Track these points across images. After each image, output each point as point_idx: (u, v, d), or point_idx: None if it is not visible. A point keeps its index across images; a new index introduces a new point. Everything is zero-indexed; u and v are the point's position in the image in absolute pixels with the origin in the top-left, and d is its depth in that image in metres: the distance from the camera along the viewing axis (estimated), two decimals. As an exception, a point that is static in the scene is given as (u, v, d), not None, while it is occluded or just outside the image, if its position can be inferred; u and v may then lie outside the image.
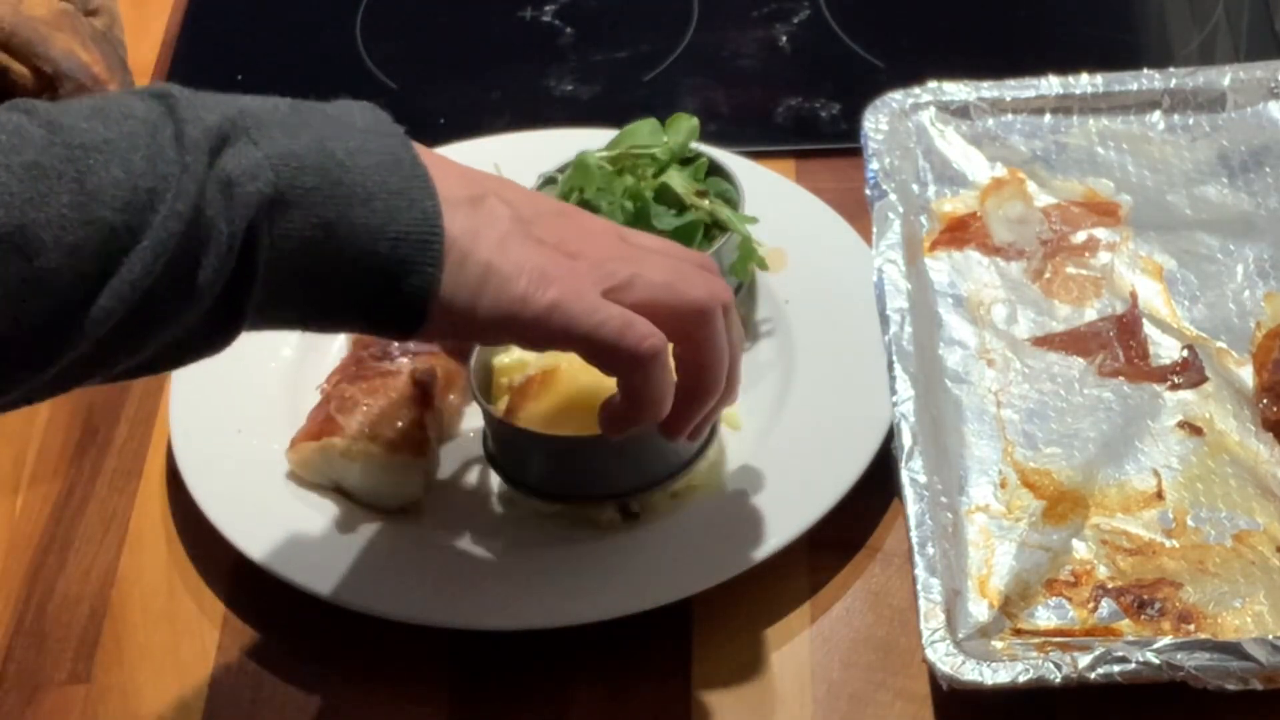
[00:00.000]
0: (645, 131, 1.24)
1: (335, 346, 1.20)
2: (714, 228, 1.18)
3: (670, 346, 0.94)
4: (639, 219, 1.16)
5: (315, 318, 0.89)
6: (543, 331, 0.89)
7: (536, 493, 1.09)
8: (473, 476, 1.14)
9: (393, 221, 0.85)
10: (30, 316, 0.78)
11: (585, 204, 1.18)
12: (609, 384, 1.10)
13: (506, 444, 1.09)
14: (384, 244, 0.85)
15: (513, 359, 1.14)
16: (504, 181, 0.95)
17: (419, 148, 0.89)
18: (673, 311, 0.92)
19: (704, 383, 0.95)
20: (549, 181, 1.23)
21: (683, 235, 1.16)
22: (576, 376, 1.10)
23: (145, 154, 0.80)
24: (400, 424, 1.12)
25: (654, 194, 1.19)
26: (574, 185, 1.20)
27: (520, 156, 1.29)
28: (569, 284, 0.89)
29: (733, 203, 1.20)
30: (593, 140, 1.25)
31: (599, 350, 0.91)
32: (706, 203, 1.19)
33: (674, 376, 0.95)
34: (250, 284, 0.84)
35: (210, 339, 0.86)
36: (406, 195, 0.86)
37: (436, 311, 0.87)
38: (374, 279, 0.86)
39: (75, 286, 0.79)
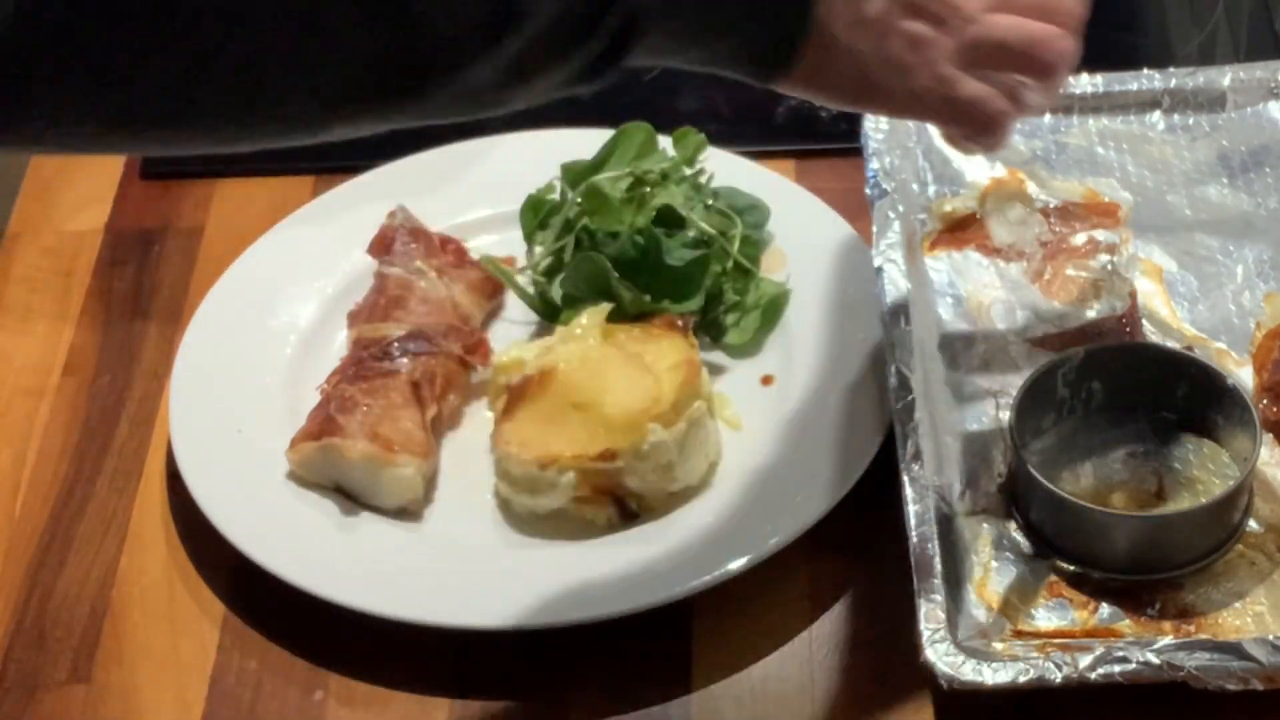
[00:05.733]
0: (639, 140, 1.24)
1: (335, 346, 1.21)
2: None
3: None
4: (648, 253, 1.18)
5: (690, 68, 0.93)
6: (901, 112, 1.00)
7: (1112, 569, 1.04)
8: (473, 476, 1.14)
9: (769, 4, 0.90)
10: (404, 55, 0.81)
11: (590, 235, 1.19)
12: (607, 384, 1.10)
13: (1072, 523, 1.04)
14: (756, 20, 0.90)
15: (511, 359, 1.14)
16: None
17: None
18: (1027, 70, 0.98)
19: (1035, 108, 1.01)
20: (537, 206, 1.24)
21: (693, 270, 1.18)
22: (574, 377, 1.10)
23: None
24: (400, 424, 1.12)
25: (656, 214, 1.20)
26: (588, 211, 1.21)
27: (520, 157, 1.29)
28: (929, 69, 0.94)
29: (739, 211, 1.22)
30: (591, 141, 1.25)
31: (951, 123, 0.98)
32: (704, 224, 1.20)
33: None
34: (627, 49, 0.87)
35: (583, 84, 0.89)
36: None
37: (805, 78, 0.93)
38: (746, 47, 0.91)
39: (451, 48, 0.82)
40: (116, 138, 0.81)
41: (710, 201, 1.23)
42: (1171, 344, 1.14)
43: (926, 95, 0.95)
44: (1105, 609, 1.02)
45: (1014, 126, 0.98)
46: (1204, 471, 1.07)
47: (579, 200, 1.22)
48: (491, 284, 1.23)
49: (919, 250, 1.20)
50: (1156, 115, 1.28)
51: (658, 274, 1.18)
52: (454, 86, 0.83)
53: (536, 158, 1.27)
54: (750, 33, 0.90)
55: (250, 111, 0.81)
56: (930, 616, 0.99)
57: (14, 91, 0.76)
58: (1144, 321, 1.16)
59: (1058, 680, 0.96)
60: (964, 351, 1.15)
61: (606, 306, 1.15)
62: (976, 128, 0.97)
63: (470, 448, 1.15)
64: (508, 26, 0.82)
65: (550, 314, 1.21)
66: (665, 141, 1.26)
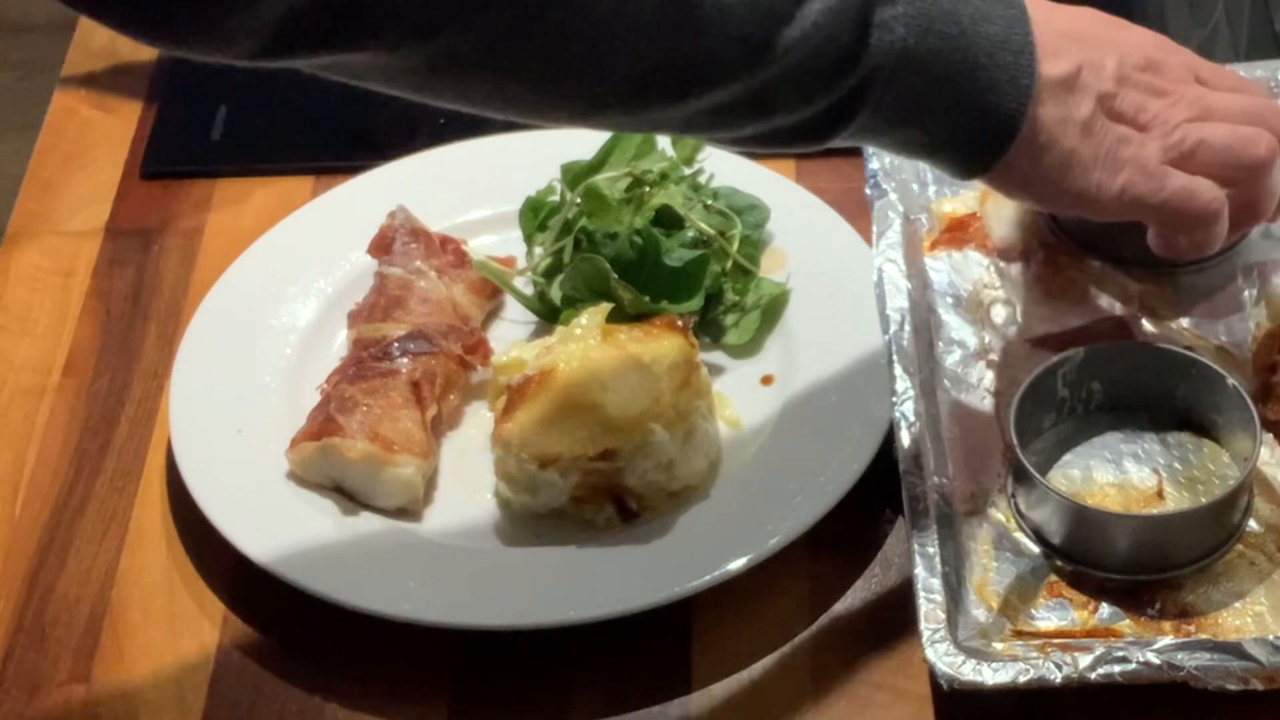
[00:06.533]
0: (637, 139, 1.24)
1: (335, 346, 1.21)
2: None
3: None
4: (647, 254, 1.18)
5: (901, 152, 1.00)
6: (1111, 211, 0.98)
7: (1116, 570, 1.04)
8: (473, 476, 1.14)
9: (990, 92, 0.94)
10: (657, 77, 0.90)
11: (589, 236, 1.19)
12: (607, 383, 1.10)
13: (1076, 526, 1.04)
14: (975, 111, 0.94)
15: (511, 359, 1.14)
16: (1099, 32, 1.00)
17: (1030, 5, 0.96)
18: (1233, 169, 1.00)
19: (1248, 215, 1.02)
20: (537, 207, 1.24)
21: (693, 270, 1.18)
22: (574, 377, 1.10)
23: None
24: (400, 424, 1.12)
25: (655, 214, 1.20)
26: (587, 211, 1.21)
27: (520, 157, 1.29)
28: (1137, 164, 0.98)
29: (739, 211, 1.22)
30: (590, 141, 1.25)
31: (1163, 219, 0.99)
32: (704, 224, 1.20)
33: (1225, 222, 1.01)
34: (855, 112, 0.93)
35: (807, 139, 0.95)
36: (1009, 72, 0.94)
37: (1011, 175, 0.97)
38: (961, 135, 0.95)
39: (717, 64, 0.90)
40: (426, 75, 0.88)
41: (710, 201, 1.23)
42: (1171, 344, 1.14)
43: (1135, 188, 0.97)
44: (1105, 609, 1.02)
45: (1225, 228, 0.99)
46: (1204, 471, 1.07)
47: (578, 201, 1.22)
48: (491, 284, 1.23)
49: (919, 250, 1.20)
50: (1156, 115, 1.27)
51: (657, 274, 1.18)
52: (706, 100, 0.90)
53: (536, 158, 1.27)
54: (970, 118, 0.94)
55: (542, 82, 0.89)
56: (930, 616, 0.99)
57: (359, 15, 0.84)
58: (1144, 321, 1.16)
59: (1058, 680, 0.96)
60: (964, 351, 1.15)
61: (606, 306, 1.15)
62: (1190, 220, 0.98)
63: (470, 448, 1.16)
64: (766, 55, 0.89)
65: (550, 315, 1.21)
66: (664, 141, 1.26)
